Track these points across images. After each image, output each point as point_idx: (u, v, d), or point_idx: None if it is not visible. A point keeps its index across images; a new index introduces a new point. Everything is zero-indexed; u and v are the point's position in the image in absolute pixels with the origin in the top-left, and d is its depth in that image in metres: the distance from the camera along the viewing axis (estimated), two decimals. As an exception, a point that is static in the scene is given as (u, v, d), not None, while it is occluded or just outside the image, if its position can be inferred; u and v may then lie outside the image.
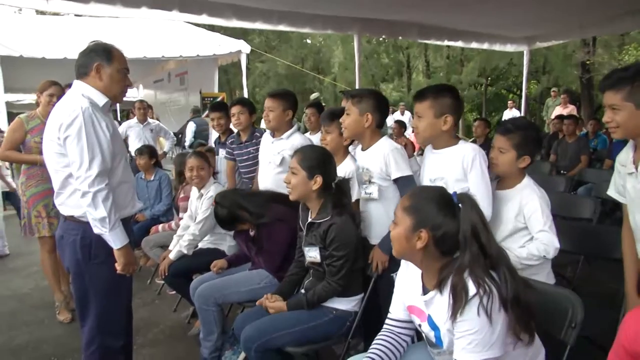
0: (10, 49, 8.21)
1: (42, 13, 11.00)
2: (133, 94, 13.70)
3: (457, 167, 2.26)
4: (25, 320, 3.87)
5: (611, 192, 2.27)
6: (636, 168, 2.00)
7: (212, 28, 10.01)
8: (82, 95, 2.23)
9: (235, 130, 4.06)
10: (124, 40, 9.18)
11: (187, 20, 7.41)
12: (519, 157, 2.23)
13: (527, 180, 2.29)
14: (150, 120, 6.93)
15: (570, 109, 10.78)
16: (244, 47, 9.97)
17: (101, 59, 2.27)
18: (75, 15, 7.33)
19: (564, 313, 1.71)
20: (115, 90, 2.33)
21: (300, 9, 6.59)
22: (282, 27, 6.85)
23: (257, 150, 3.73)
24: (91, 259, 2.29)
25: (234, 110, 3.88)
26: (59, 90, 3.73)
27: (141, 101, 6.89)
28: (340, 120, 2.65)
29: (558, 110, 10.75)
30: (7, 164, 6.05)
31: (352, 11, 6.89)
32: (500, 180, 2.35)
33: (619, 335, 1.47)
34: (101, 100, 2.27)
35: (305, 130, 5.40)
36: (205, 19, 6.12)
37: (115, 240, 2.23)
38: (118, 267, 2.28)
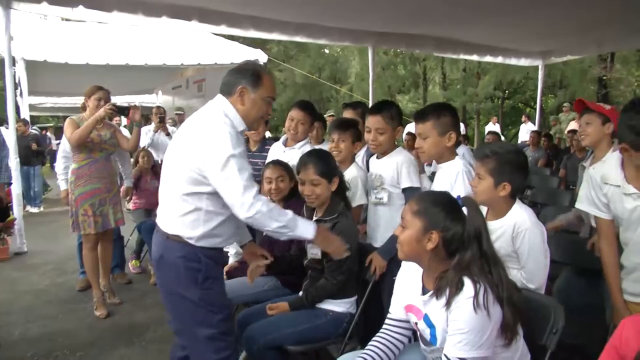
0: (35, 53, 8.48)
1: (67, 19, 11.28)
2: (152, 100, 13.96)
3: (446, 182, 2.35)
4: (41, 314, 4.01)
5: (585, 207, 2.23)
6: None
7: (231, 37, 10.19)
8: (225, 115, 2.09)
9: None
10: (144, 47, 9.43)
11: (207, 30, 7.59)
12: (497, 185, 2.04)
13: (517, 209, 2.07)
14: (167, 126, 7.12)
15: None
16: (261, 57, 10.13)
17: (247, 82, 2.12)
18: (98, 22, 7.52)
19: (547, 319, 1.80)
20: (253, 118, 2.17)
21: (316, 20, 6.73)
22: (298, 38, 7.01)
23: (264, 163, 3.67)
24: (198, 283, 2.06)
25: None
26: (105, 94, 3.96)
27: (158, 107, 7.08)
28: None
29: (572, 125, 10.71)
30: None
31: (368, 24, 7.00)
32: (488, 210, 2.15)
33: (612, 337, 1.56)
34: (239, 125, 2.12)
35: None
36: (224, 29, 6.31)
37: (305, 234, 2.09)
38: (333, 254, 2.19)
